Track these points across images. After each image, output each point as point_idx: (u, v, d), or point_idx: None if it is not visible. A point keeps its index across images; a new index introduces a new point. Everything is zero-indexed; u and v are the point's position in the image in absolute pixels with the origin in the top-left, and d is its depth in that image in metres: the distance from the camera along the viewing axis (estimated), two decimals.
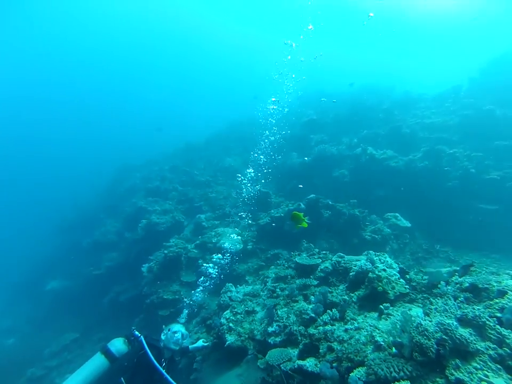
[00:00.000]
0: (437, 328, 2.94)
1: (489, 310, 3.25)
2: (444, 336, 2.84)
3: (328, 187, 12.54)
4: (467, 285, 3.80)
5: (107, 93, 69.60)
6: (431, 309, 3.45)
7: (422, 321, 3.06)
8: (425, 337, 2.89)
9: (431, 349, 2.81)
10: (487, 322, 2.95)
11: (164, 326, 4.20)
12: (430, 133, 13.18)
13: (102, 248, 14.58)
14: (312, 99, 21.72)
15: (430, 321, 3.22)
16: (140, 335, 3.82)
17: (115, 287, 11.81)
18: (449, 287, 4.07)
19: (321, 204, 9.97)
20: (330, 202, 10.04)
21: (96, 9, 52.22)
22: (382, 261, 5.86)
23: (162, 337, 4.00)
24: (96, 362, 3.58)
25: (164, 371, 3.45)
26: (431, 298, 3.77)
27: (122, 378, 3.48)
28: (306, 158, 13.89)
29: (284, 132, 11.85)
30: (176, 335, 3.97)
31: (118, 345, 3.68)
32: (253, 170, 10.00)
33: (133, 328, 3.94)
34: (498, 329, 2.87)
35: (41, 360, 9.93)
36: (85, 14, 52.54)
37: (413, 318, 3.20)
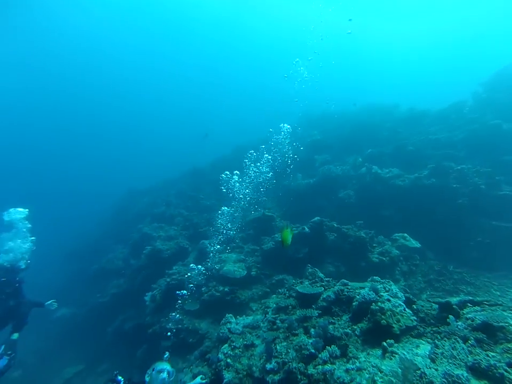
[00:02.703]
0: (444, 380, 2.63)
1: (508, 355, 2.87)
2: None
3: (334, 208, 12.33)
4: (479, 322, 3.46)
5: (114, 116, 71.55)
6: (437, 354, 3.12)
7: (426, 370, 2.77)
8: None
9: None
10: (506, 374, 2.60)
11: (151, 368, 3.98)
12: (435, 149, 12.94)
13: (109, 275, 14.51)
14: (316, 119, 21.87)
15: (435, 369, 2.90)
16: (121, 380, 3.64)
17: (120, 315, 11.63)
18: (460, 323, 3.75)
19: (326, 226, 9.72)
20: (335, 225, 9.78)
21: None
22: (386, 289, 5.54)
23: (147, 378, 3.74)
24: None
25: None
26: (435, 341, 3.42)
27: None
28: (311, 180, 13.77)
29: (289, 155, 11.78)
30: (161, 374, 3.70)
31: None
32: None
33: (116, 372, 3.76)
34: None
35: None
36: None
37: (415, 363, 2.91)
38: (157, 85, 70.58)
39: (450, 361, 2.98)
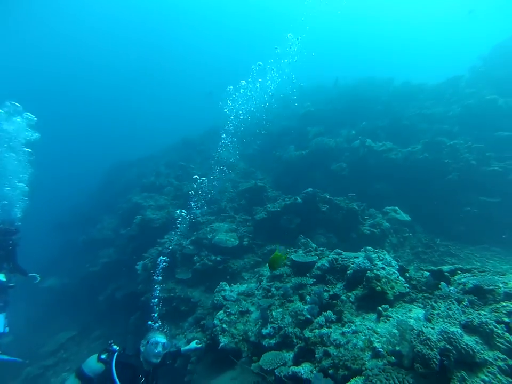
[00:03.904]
0: (440, 336, 2.72)
1: (496, 314, 3.03)
2: (447, 346, 2.62)
3: (326, 180, 12.32)
4: (471, 286, 3.58)
5: (102, 89, 68.38)
6: (433, 314, 3.22)
7: (423, 328, 2.84)
8: (427, 347, 2.67)
9: (434, 360, 2.59)
10: (495, 329, 2.72)
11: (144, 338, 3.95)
12: (430, 124, 12.91)
13: (98, 245, 14.39)
14: (310, 91, 21.36)
15: (432, 328, 3.00)
16: (116, 349, 3.60)
17: (111, 284, 11.65)
18: (452, 288, 3.85)
19: (318, 198, 9.73)
20: (328, 196, 9.79)
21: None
22: (380, 258, 5.65)
23: (142, 349, 3.72)
24: None
25: None
26: (432, 302, 3.52)
27: None
28: (303, 152, 13.63)
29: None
30: (156, 347, 3.66)
31: (92, 365, 3.44)
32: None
33: (111, 341, 3.70)
34: (508, 337, 2.65)
35: (37, 360, 9.74)
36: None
37: (410, 324, 2.99)
38: (146, 54, 67.26)
39: (445, 320, 3.10)
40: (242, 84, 10.40)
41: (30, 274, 6.62)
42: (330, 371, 3.47)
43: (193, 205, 9.49)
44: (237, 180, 13.78)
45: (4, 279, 5.92)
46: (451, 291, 3.79)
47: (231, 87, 10.46)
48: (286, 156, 14.06)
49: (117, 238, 13.97)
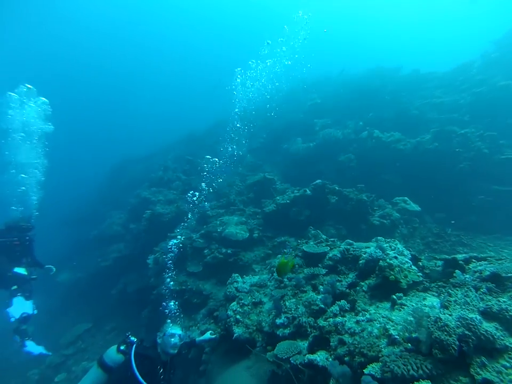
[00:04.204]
0: (458, 323, 2.71)
1: None
2: (466, 332, 2.62)
3: (334, 172, 12.27)
4: (488, 273, 3.55)
5: (106, 86, 68.43)
6: (450, 301, 3.21)
7: (441, 315, 2.84)
8: (445, 333, 2.67)
9: (453, 345, 2.59)
10: None
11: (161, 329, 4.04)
12: (439, 113, 12.70)
13: (108, 240, 14.59)
14: (316, 83, 21.16)
15: (449, 315, 2.99)
16: (134, 341, 3.70)
17: (123, 278, 11.83)
18: (468, 276, 3.83)
19: (327, 189, 9.71)
20: (337, 188, 9.77)
21: None
22: (392, 247, 5.61)
23: (158, 341, 3.84)
24: (94, 375, 3.54)
25: None
26: (449, 290, 3.51)
27: None
28: (311, 144, 13.56)
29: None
30: (172, 339, 3.79)
31: (112, 355, 3.60)
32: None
33: (128, 333, 3.81)
34: None
35: (57, 349, 10.14)
36: None
37: (426, 311, 2.98)
38: (151, 50, 67.04)
39: (463, 307, 3.08)
40: (252, 64, 10.31)
41: (46, 266, 6.89)
42: (346, 358, 3.48)
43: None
44: (244, 173, 13.79)
45: (26, 273, 6.17)
46: (467, 279, 3.76)
47: (239, 68, 10.36)
48: (293, 149, 14.02)
49: (126, 233, 14.16)
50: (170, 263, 7.74)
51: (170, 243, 8.67)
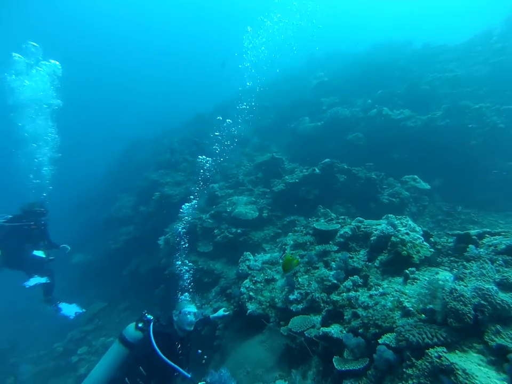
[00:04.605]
0: (474, 293, 2.75)
1: None
2: (482, 302, 2.65)
3: (342, 151, 12.09)
4: (503, 247, 3.55)
5: (112, 68, 67.28)
6: (465, 273, 3.24)
7: (456, 286, 2.87)
8: (461, 303, 2.71)
9: (468, 315, 2.64)
10: None
11: (176, 305, 4.13)
12: (451, 88, 12.29)
13: (118, 222, 14.80)
14: (323, 60, 20.63)
15: (465, 286, 3.02)
16: (151, 318, 3.80)
17: (133, 260, 12.08)
18: (482, 250, 3.83)
19: (336, 168, 9.66)
20: (345, 167, 9.73)
21: None
22: (404, 224, 5.62)
23: (175, 318, 3.93)
24: (116, 351, 3.69)
25: (168, 361, 3.43)
26: (463, 262, 3.53)
27: (140, 367, 3.48)
28: (318, 123, 13.36)
29: None
30: (188, 316, 3.89)
31: (131, 332, 3.73)
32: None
33: (144, 312, 3.92)
34: None
35: (77, 326, 10.72)
36: None
37: (440, 283, 3.01)
38: (159, 30, 65.37)
39: (479, 278, 3.12)
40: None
41: (61, 245, 7.15)
42: (360, 330, 3.56)
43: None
44: (251, 153, 13.74)
45: (44, 255, 6.42)
46: (481, 253, 3.77)
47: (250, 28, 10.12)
48: (300, 128, 13.84)
49: (135, 215, 14.32)
50: (181, 244, 7.89)
51: (180, 224, 8.80)
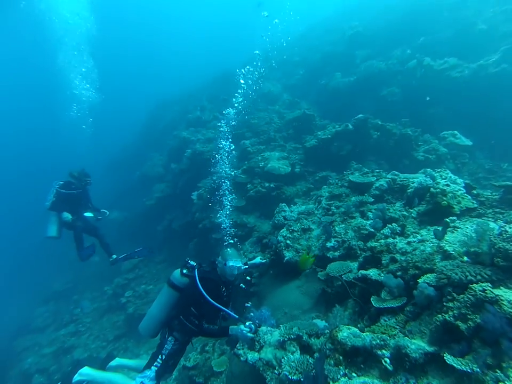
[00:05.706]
0: None
1: None
2: None
3: (376, 107, 11.52)
4: None
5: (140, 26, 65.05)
6: None
7: (507, 228, 2.87)
8: (511, 243, 2.74)
9: None
10: None
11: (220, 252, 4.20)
12: None
13: (151, 180, 15.37)
14: (357, 8, 18.99)
15: None
16: (194, 264, 4.01)
17: (167, 216, 12.68)
18: None
19: (370, 124, 9.37)
20: (379, 122, 9.40)
21: None
22: (443, 176, 5.49)
23: (219, 265, 4.01)
24: (167, 294, 3.98)
25: (215, 303, 3.65)
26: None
27: (192, 307, 3.77)
28: (351, 78, 12.70)
29: None
30: (233, 269, 3.92)
31: (177, 277, 3.96)
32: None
33: (187, 259, 4.13)
34: None
35: (121, 274, 11.88)
36: None
37: (491, 225, 3.02)
38: None
39: None
40: None
41: (102, 210, 7.83)
42: (398, 273, 3.68)
43: None
44: (281, 111, 13.45)
45: (92, 215, 7.35)
46: None
47: None
48: (332, 84, 13.26)
49: (167, 173, 14.79)
50: (216, 198, 8.13)
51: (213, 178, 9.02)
